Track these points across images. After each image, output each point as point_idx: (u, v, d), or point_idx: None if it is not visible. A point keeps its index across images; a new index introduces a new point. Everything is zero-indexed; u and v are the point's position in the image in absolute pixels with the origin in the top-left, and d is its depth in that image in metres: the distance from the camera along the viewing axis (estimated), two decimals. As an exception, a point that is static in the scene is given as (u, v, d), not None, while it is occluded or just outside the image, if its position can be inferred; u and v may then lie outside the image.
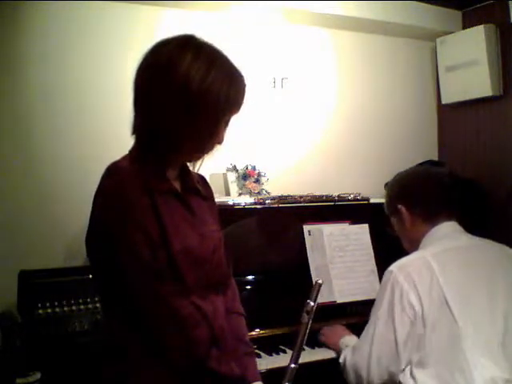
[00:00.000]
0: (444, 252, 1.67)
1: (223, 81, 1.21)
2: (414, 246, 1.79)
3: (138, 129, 1.28)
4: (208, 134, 1.26)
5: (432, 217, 1.76)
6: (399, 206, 1.81)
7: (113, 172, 1.24)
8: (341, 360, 1.75)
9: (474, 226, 1.91)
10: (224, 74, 1.23)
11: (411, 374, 1.57)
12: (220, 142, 1.30)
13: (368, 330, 1.65)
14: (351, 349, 1.72)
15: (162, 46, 1.26)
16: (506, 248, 1.80)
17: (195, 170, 1.39)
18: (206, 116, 1.22)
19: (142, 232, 1.17)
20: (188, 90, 1.19)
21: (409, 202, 1.80)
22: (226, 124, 1.31)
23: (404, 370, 1.59)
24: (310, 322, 1.34)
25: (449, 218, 1.77)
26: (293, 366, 1.35)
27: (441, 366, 1.53)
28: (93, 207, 1.24)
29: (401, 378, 1.59)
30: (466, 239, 1.76)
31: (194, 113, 1.21)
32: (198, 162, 1.36)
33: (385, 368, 1.59)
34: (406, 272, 1.60)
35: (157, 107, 1.22)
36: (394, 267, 1.64)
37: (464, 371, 1.50)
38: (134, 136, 1.30)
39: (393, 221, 1.89)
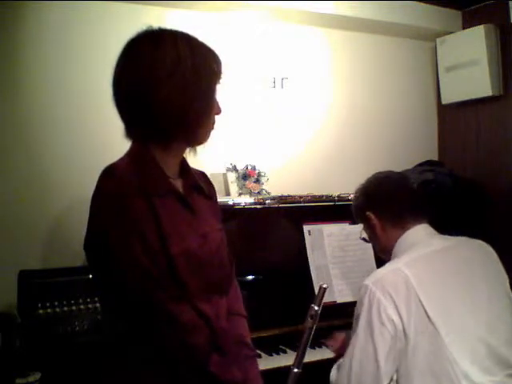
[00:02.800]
0: (417, 259, 1.63)
1: (206, 52, 1.29)
2: (387, 252, 1.77)
3: (138, 128, 1.27)
4: (211, 107, 1.30)
5: (401, 221, 1.74)
6: (368, 213, 1.78)
7: (109, 174, 1.22)
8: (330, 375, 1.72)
9: (472, 226, 1.91)
10: (202, 46, 1.29)
11: None
12: (219, 112, 1.34)
13: (349, 347, 1.60)
14: (336, 366, 1.70)
15: (136, 49, 1.27)
16: (483, 244, 1.76)
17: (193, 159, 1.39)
18: (206, 91, 1.27)
19: (139, 236, 1.16)
20: (184, 74, 1.22)
21: (376, 208, 1.78)
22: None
23: None
24: (315, 326, 1.33)
25: (419, 220, 1.73)
26: (296, 370, 1.33)
27: (427, 379, 1.50)
28: (90, 210, 1.23)
29: None
30: (438, 242, 1.71)
31: (195, 92, 1.24)
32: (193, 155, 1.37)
33: None
34: (382, 286, 1.55)
35: (165, 102, 1.22)
36: (369, 281, 1.59)
37: (452, 381, 1.48)
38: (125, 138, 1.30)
39: (365, 229, 1.87)
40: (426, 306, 1.52)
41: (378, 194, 1.80)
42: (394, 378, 1.56)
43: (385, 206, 1.77)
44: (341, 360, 1.67)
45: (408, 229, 1.72)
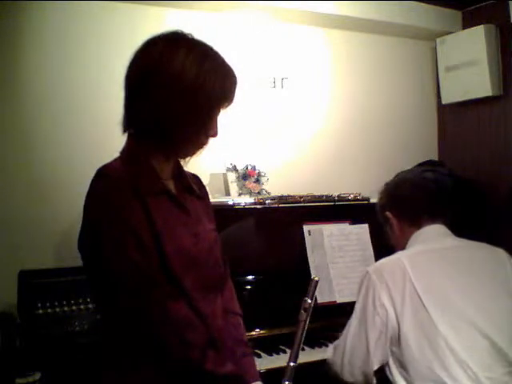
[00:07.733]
0: (422, 253, 1.70)
1: (217, 73, 1.24)
2: (403, 249, 1.80)
3: (130, 123, 1.27)
4: (203, 126, 1.27)
5: (417, 220, 1.80)
6: (387, 214, 1.87)
7: (102, 174, 1.23)
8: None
9: (473, 227, 1.92)
10: (217, 66, 1.25)
11: (398, 374, 1.59)
12: (215, 135, 1.31)
13: (345, 328, 1.70)
14: (333, 346, 1.77)
15: (153, 41, 1.26)
16: (496, 250, 1.79)
17: (185, 167, 1.38)
18: (201, 107, 1.23)
19: (132, 235, 1.17)
20: (183, 81, 1.20)
21: (395, 208, 1.86)
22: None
23: (390, 369, 1.61)
24: (308, 319, 1.34)
25: (433, 221, 1.79)
26: (292, 364, 1.34)
27: (423, 367, 1.54)
28: (83, 210, 1.23)
29: (390, 377, 1.62)
30: (450, 241, 1.78)
31: (189, 105, 1.21)
32: (190, 158, 1.34)
33: (357, 368, 1.63)
34: (380, 273, 1.64)
35: (152, 100, 1.21)
36: (370, 268, 1.69)
37: (448, 370, 1.51)
38: (125, 137, 1.29)
39: (386, 229, 1.93)
40: (422, 296, 1.58)
41: (396, 194, 1.88)
42: (390, 362, 1.61)
43: (402, 207, 1.85)
44: (338, 341, 1.74)
45: (423, 227, 1.78)
